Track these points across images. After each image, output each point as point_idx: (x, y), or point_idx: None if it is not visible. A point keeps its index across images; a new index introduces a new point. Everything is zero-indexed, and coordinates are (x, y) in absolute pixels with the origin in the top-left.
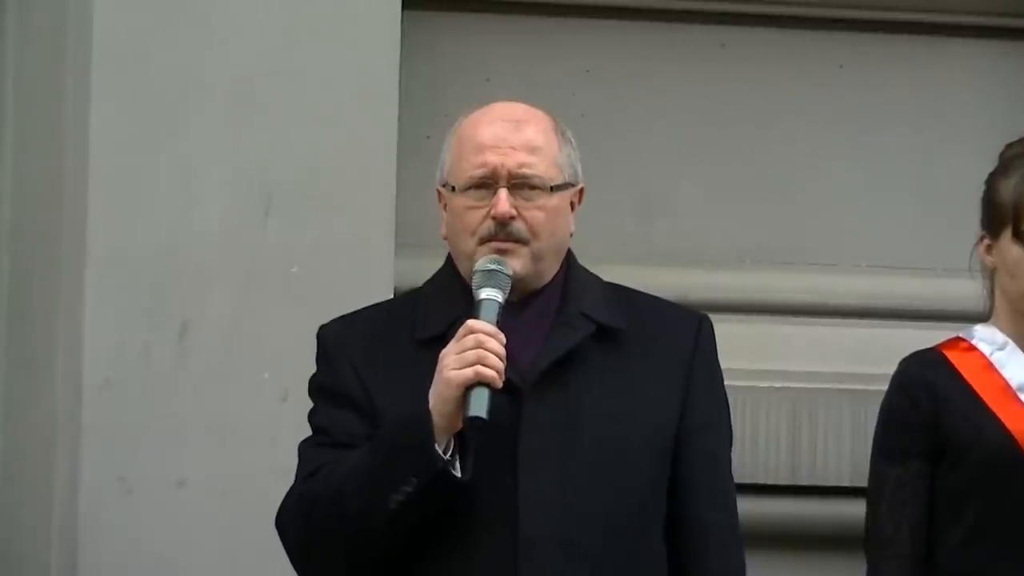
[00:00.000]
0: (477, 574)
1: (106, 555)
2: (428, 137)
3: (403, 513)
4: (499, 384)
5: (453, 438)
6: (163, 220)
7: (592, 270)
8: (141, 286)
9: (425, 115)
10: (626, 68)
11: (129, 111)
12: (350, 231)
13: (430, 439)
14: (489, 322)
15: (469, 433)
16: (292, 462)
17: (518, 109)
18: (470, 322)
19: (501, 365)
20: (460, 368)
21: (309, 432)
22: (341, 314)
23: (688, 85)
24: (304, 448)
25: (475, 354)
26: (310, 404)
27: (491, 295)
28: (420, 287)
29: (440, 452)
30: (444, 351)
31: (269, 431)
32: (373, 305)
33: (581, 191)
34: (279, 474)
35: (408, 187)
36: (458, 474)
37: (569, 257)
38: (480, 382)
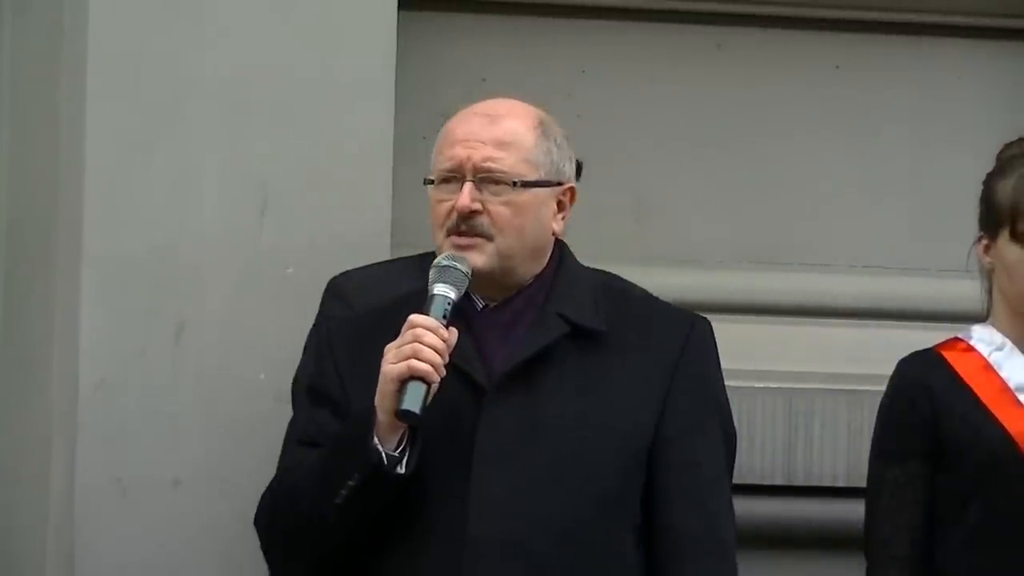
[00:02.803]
0: (423, 573)
1: (102, 555)
2: (424, 137)
3: (348, 508)
4: (435, 379)
5: (408, 434)
6: (159, 220)
7: None
8: (137, 286)
9: (421, 115)
10: (622, 68)
11: (125, 111)
12: (346, 232)
13: (369, 433)
14: (436, 318)
15: (419, 430)
16: None
17: (502, 105)
18: (412, 316)
19: (438, 359)
20: (396, 362)
21: None
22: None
23: (684, 85)
24: (284, 445)
25: (410, 348)
26: None
27: (442, 291)
28: (420, 287)
29: (376, 447)
30: (388, 346)
31: (265, 431)
32: (371, 304)
33: (572, 191)
34: (274, 474)
35: (404, 187)
36: (402, 470)
37: (562, 255)
38: (414, 376)
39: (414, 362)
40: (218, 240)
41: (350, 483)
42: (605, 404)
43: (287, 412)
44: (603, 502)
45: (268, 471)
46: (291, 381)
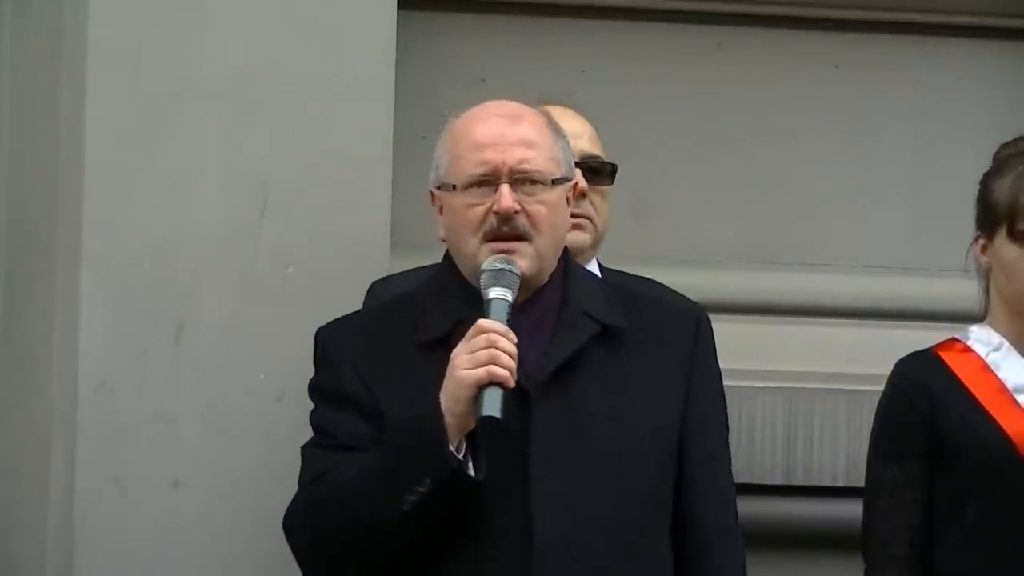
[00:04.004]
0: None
1: (101, 556)
2: (424, 137)
3: (417, 514)
4: (512, 384)
5: (464, 439)
6: (159, 220)
7: None
8: (137, 286)
9: (421, 115)
10: (622, 68)
11: (125, 111)
12: (346, 231)
13: (444, 438)
14: (500, 321)
15: (480, 433)
16: (289, 462)
17: (511, 106)
18: (481, 322)
19: (514, 365)
20: (472, 368)
21: (305, 432)
22: (335, 315)
23: (684, 85)
24: (307, 451)
25: (487, 354)
26: (307, 404)
27: (500, 294)
28: (414, 290)
29: (454, 452)
30: (455, 351)
31: (265, 431)
32: (364, 309)
33: (575, 186)
34: (275, 474)
35: (404, 187)
36: (472, 474)
37: (566, 254)
38: (493, 382)
39: (494, 368)
40: (218, 240)
41: (420, 488)
42: (636, 403)
43: (287, 412)
44: (648, 499)
45: (268, 471)
46: (291, 381)
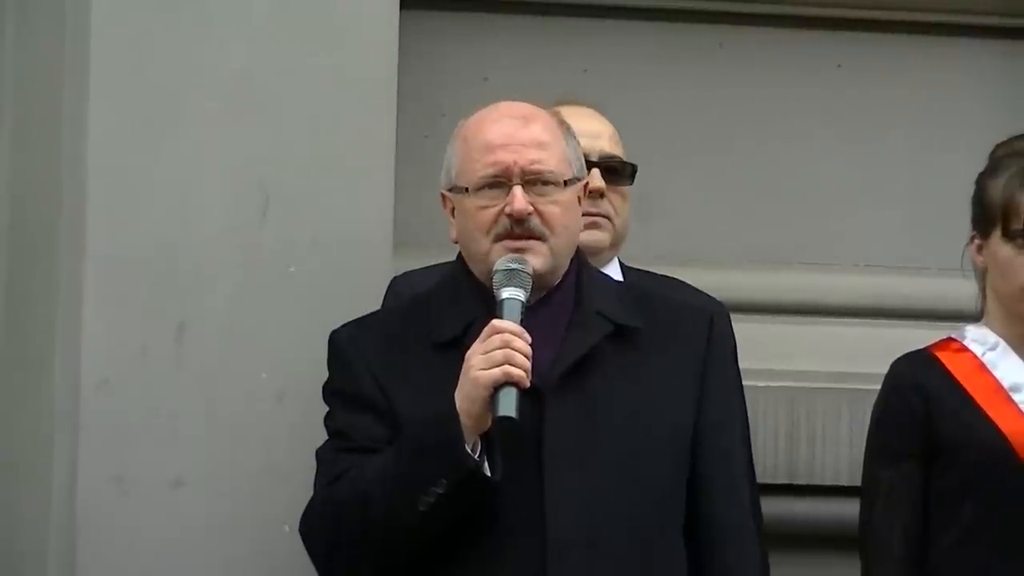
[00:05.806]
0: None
1: (103, 554)
2: (426, 136)
3: (433, 515)
4: (527, 384)
5: (479, 439)
6: (161, 219)
7: None
8: (139, 285)
9: (423, 114)
10: (624, 68)
11: (127, 110)
12: (348, 230)
13: (459, 439)
14: (513, 321)
15: (496, 434)
16: (290, 461)
17: (522, 107)
18: (495, 322)
19: (528, 364)
20: (488, 368)
21: (306, 431)
22: (337, 315)
23: (686, 85)
24: (323, 453)
25: (503, 354)
26: (308, 404)
27: (513, 294)
28: (427, 290)
29: (470, 452)
30: (470, 351)
31: (266, 430)
32: (380, 310)
33: (586, 186)
34: (276, 473)
35: (406, 186)
36: (488, 474)
37: (579, 255)
38: (508, 382)
39: (509, 368)
40: (220, 239)
41: (436, 490)
42: (650, 402)
43: (288, 412)
44: (663, 497)
45: (269, 470)
46: (292, 380)
